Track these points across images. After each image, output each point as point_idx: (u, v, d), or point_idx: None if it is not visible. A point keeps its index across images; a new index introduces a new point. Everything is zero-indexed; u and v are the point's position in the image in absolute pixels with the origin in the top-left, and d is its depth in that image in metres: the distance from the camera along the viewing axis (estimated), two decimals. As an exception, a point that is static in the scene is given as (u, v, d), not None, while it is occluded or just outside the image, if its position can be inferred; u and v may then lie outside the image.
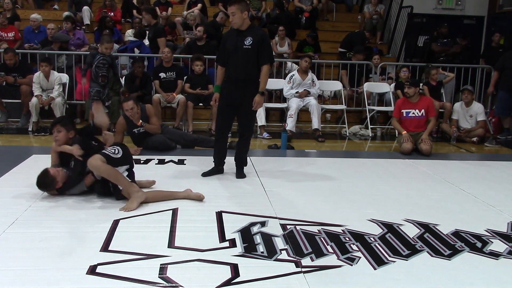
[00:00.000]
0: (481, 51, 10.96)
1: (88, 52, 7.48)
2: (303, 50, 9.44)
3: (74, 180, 4.04)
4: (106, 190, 3.99)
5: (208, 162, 5.08)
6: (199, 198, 4.07)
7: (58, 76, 7.40)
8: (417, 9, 10.70)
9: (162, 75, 7.64)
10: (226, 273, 2.81)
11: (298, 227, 3.53)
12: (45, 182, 3.98)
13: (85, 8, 9.85)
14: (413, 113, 6.57)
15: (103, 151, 3.98)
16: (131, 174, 4.11)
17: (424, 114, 6.55)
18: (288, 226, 3.55)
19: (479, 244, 3.37)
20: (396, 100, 7.34)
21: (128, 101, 5.70)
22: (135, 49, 8.59)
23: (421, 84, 8.42)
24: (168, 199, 4.03)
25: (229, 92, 4.74)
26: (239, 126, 5.04)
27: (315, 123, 7.46)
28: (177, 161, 5.48)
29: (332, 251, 3.16)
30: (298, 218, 3.73)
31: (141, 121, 5.74)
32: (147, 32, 8.63)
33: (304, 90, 7.64)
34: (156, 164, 5.35)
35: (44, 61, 7.32)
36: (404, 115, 6.62)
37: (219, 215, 3.76)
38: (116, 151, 4.00)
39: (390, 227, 3.62)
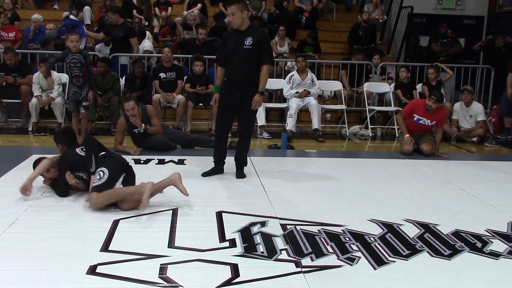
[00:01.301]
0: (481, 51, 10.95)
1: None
2: (303, 50, 9.44)
3: (60, 187, 4.08)
4: None
5: (208, 162, 5.09)
6: (184, 192, 3.94)
7: (57, 76, 7.38)
8: (417, 9, 10.70)
9: (162, 75, 7.64)
10: (226, 273, 2.81)
11: (298, 227, 3.53)
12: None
13: (86, 8, 9.86)
14: (424, 121, 6.31)
15: (93, 185, 3.80)
16: (128, 180, 4.00)
17: (431, 124, 6.32)
18: (288, 226, 3.55)
19: (479, 244, 3.37)
20: (411, 100, 7.12)
21: (129, 101, 5.69)
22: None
23: (420, 85, 8.45)
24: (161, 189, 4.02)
25: (229, 92, 4.74)
26: (239, 126, 5.04)
27: (315, 123, 7.46)
28: (177, 161, 5.48)
29: (332, 251, 3.16)
30: (298, 218, 3.73)
31: (144, 125, 5.72)
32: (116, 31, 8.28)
33: (304, 90, 7.63)
34: (156, 164, 5.35)
35: (43, 62, 7.31)
36: (415, 119, 6.33)
37: (219, 215, 3.76)
38: (102, 175, 3.82)
39: (390, 227, 3.62)
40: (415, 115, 6.32)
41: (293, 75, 7.78)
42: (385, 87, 8.62)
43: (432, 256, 3.16)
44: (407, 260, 3.09)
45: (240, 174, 4.93)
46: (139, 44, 8.77)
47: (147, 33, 9.25)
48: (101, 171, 3.85)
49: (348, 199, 4.32)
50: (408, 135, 6.32)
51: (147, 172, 4.94)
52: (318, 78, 8.31)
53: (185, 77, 7.79)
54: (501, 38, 9.61)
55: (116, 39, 8.22)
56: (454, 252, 3.23)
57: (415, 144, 6.35)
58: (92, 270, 2.79)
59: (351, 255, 3.12)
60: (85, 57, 6.21)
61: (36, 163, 4.24)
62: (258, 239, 3.32)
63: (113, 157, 4.12)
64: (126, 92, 7.33)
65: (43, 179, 4.28)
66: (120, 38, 8.12)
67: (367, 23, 9.99)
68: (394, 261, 3.06)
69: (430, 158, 6.14)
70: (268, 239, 3.32)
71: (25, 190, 3.96)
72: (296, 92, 7.64)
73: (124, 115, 5.79)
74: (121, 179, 3.94)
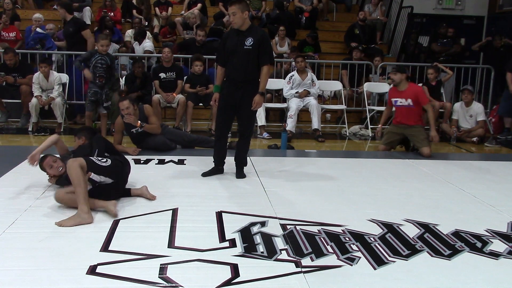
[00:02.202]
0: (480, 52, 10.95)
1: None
2: (303, 50, 9.44)
3: (65, 180, 4.06)
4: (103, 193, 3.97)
5: (208, 162, 5.08)
6: (151, 198, 4.05)
7: (57, 76, 7.40)
8: (417, 9, 10.71)
9: (162, 75, 7.64)
10: (226, 273, 2.81)
11: (298, 227, 3.53)
12: (40, 166, 4.25)
13: (87, 8, 9.87)
14: (400, 102, 6.32)
15: (91, 157, 3.89)
16: (111, 191, 3.90)
17: (412, 104, 6.25)
18: (288, 226, 3.55)
19: (479, 244, 3.37)
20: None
21: (124, 100, 5.68)
22: (43, 42, 8.38)
23: (420, 85, 8.44)
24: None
25: (229, 92, 4.74)
26: (239, 126, 5.04)
27: (315, 123, 7.46)
28: (177, 161, 5.48)
29: (332, 251, 3.16)
30: (298, 218, 3.73)
31: (139, 122, 5.72)
32: (71, 27, 8.04)
33: (304, 90, 7.63)
34: (156, 164, 5.34)
35: (44, 62, 7.32)
36: (394, 104, 6.45)
37: (219, 215, 3.75)
38: (105, 160, 3.91)
39: (390, 227, 3.61)
40: (392, 99, 6.45)
41: (293, 75, 7.78)
42: (385, 87, 8.60)
43: (432, 256, 3.16)
44: (407, 260, 3.09)
45: (240, 174, 4.93)
46: (140, 44, 8.79)
47: (147, 33, 9.25)
48: (107, 159, 3.95)
49: (348, 199, 4.32)
50: (379, 127, 6.62)
51: (147, 172, 4.95)
52: (318, 78, 8.31)
53: (185, 77, 7.79)
54: (499, 39, 9.61)
55: (68, 35, 8.00)
56: (454, 252, 3.23)
57: (412, 144, 6.40)
58: (92, 270, 2.79)
59: (351, 255, 3.12)
60: (111, 59, 6.36)
61: (42, 160, 4.24)
62: (258, 239, 3.31)
63: (120, 160, 4.14)
64: (122, 92, 7.32)
65: (47, 177, 4.28)
66: (71, 33, 7.89)
67: (364, 21, 9.99)
68: (394, 261, 3.06)
69: (430, 158, 6.13)
70: (268, 239, 3.31)
71: (33, 160, 4.13)
72: (296, 92, 7.64)
73: (122, 115, 5.79)
74: (107, 179, 3.87)
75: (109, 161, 3.94)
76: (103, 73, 6.27)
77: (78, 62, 6.59)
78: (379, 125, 6.70)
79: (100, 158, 3.93)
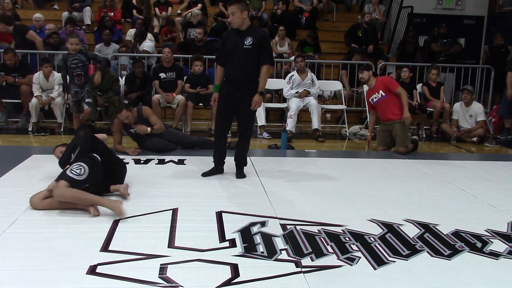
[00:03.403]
0: (481, 51, 10.95)
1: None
2: (303, 50, 9.44)
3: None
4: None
5: (208, 162, 5.08)
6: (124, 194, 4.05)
7: (58, 76, 7.37)
8: (417, 9, 10.71)
9: (162, 75, 7.64)
10: (226, 273, 2.81)
11: (298, 227, 3.53)
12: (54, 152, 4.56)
13: (87, 8, 9.88)
14: (375, 97, 6.42)
15: (68, 173, 3.77)
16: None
17: (385, 94, 6.33)
18: (288, 226, 3.55)
19: (479, 244, 3.37)
20: None
21: (121, 111, 5.60)
22: None
23: (420, 85, 8.46)
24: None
25: (229, 92, 4.74)
26: (238, 126, 5.04)
27: (315, 123, 7.46)
28: (177, 161, 5.48)
29: (332, 251, 3.16)
30: (298, 218, 3.73)
31: (149, 129, 5.68)
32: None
33: (304, 90, 7.63)
34: (156, 164, 5.34)
35: (47, 62, 7.32)
36: (373, 102, 6.50)
37: (219, 215, 3.76)
38: (82, 171, 3.79)
39: (390, 227, 3.62)
40: (369, 100, 6.57)
41: (293, 75, 7.77)
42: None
43: (432, 256, 3.16)
44: (407, 260, 3.09)
45: (240, 174, 4.93)
46: (140, 44, 8.79)
47: (148, 34, 9.24)
48: (83, 166, 3.82)
49: (348, 199, 4.32)
50: (369, 135, 6.70)
51: (147, 172, 4.95)
52: (318, 78, 8.30)
53: (185, 77, 7.79)
54: (500, 37, 9.60)
55: (18, 43, 8.11)
56: (454, 252, 3.23)
57: (392, 143, 6.45)
58: (92, 270, 2.79)
59: (351, 255, 3.12)
60: (85, 54, 6.33)
61: (55, 148, 4.45)
62: (258, 239, 3.32)
63: (96, 162, 4.01)
64: (115, 102, 7.20)
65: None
66: (19, 41, 8.05)
67: (369, 24, 9.96)
68: (394, 261, 3.06)
69: (430, 158, 6.13)
70: (268, 239, 3.32)
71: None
72: (296, 92, 7.63)
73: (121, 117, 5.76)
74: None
75: (86, 171, 3.80)
76: (80, 71, 6.27)
77: (64, 72, 6.64)
78: (368, 134, 6.79)
79: (78, 171, 3.77)
